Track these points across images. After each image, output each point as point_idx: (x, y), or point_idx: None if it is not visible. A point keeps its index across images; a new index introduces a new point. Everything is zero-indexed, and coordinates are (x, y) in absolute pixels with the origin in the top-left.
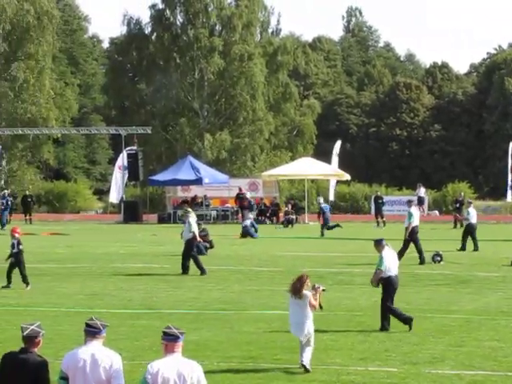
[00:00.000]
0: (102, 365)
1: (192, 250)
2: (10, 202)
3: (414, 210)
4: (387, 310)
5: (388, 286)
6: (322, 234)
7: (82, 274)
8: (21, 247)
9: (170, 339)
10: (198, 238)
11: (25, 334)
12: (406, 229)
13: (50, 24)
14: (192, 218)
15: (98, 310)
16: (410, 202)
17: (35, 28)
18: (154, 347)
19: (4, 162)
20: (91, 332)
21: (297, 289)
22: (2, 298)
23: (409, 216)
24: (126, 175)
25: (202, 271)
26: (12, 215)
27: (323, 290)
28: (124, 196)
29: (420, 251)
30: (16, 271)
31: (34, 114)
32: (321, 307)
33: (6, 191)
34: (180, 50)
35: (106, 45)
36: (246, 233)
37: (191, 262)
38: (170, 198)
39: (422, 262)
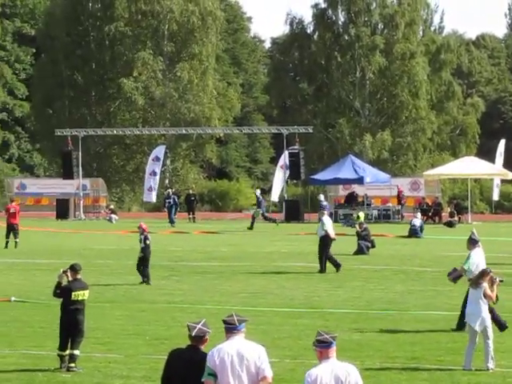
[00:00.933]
0: (250, 358)
1: (326, 248)
2: (176, 200)
3: None
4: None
5: None
6: None
7: (245, 272)
8: (148, 242)
9: (323, 346)
10: (333, 236)
11: (193, 334)
12: None
13: (214, 25)
14: (325, 216)
15: (260, 308)
16: None
17: (199, 29)
18: None
19: (168, 162)
20: (230, 328)
21: (476, 279)
22: (168, 295)
23: None
24: (288, 174)
25: (322, 269)
26: (176, 214)
27: (500, 281)
28: (285, 195)
29: None
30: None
31: (198, 114)
32: (497, 299)
33: (169, 190)
34: (341, 49)
35: (267, 45)
36: (413, 232)
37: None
38: (331, 197)
39: None
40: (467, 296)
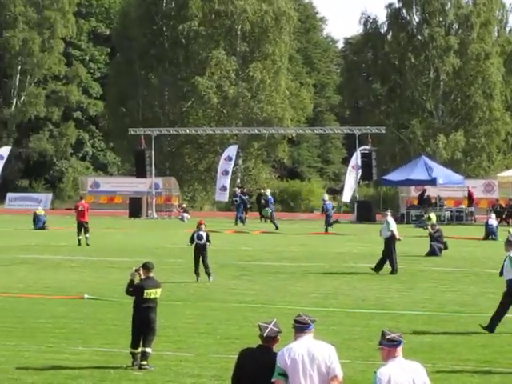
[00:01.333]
0: (320, 358)
1: (391, 249)
2: (243, 199)
3: None
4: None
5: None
6: (326, 230)
7: (316, 272)
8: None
9: (392, 345)
10: (398, 236)
11: (264, 334)
12: None
13: (287, 24)
14: (389, 216)
15: (331, 309)
16: None
17: (273, 29)
18: None
19: (240, 161)
20: (301, 328)
21: None
22: (239, 294)
23: None
24: (360, 175)
25: (393, 270)
26: (247, 213)
27: None
28: (357, 195)
29: None
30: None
31: (270, 114)
32: None
33: (236, 189)
34: (415, 50)
35: (340, 45)
36: (490, 232)
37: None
38: (403, 198)
39: None
40: None
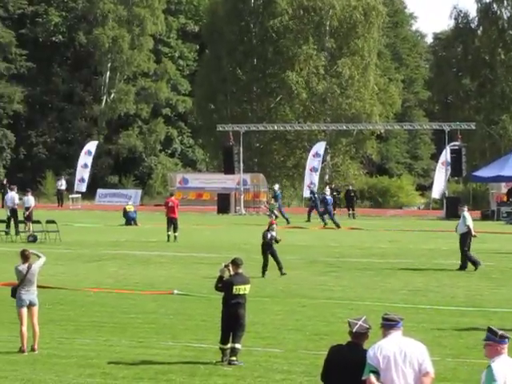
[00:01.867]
0: (412, 354)
1: (466, 244)
2: (316, 196)
3: None
4: None
5: None
6: (325, 223)
7: (405, 269)
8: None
9: (502, 342)
10: (473, 233)
11: (354, 330)
12: None
13: (376, 20)
14: (466, 212)
15: (421, 306)
16: None
17: (362, 24)
18: (478, 346)
19: (328, 157)
20: (389, 325)
21: None
22: (327, 291)
23: None
24: (449, 171)
25: (475, 264)
26: (335, 209)
27: None
28: (446, 192)
29: None
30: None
31: (358, 110)
32: None
33: (312, 186)
34: (506, 45)
35: (429, 40)
36: None
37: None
38: (493, 194)
39: None
40: None
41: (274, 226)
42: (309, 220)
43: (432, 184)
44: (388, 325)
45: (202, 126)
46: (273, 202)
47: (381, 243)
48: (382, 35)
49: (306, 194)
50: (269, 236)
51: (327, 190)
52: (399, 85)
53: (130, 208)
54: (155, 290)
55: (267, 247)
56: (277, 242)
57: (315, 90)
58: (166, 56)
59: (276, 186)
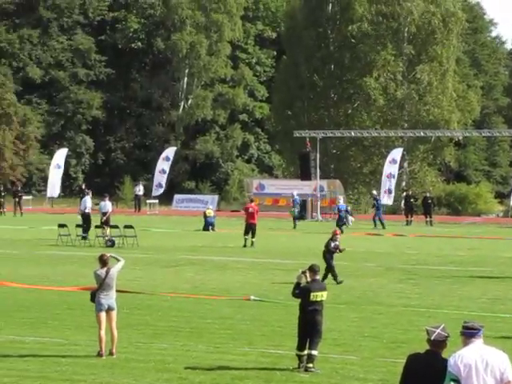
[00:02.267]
0: (494, 363)
1: None
2: (379, 202)
3: None
4: None
5: None
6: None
7: (484, 277)
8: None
9: None
10: None
11: (432, 338)
12: None
13: (455, 26)
14: None
15: (501, 314)
16: None
17: (440, 30)
18: None
19: (406, 164)
20: (470, 333)
21: None
22: (404, 298)
23: None
24: None
25: None
26: (412, 216)
27: None
28: None
29: None
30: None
31: (436, 117)
32: None
33: (374, 192)
34: None
35: (508, 46)
36: None
37: None
38: None
39: None
40: None
41: (338, 236)
42: (383, 227)
43: (511, 191)
44: (469, 333)
45: (279, 131)
46: (293, 209)
47: (459, 251)
48: (461, 41)
49: (384, 200)
50: (332, 245)
51: (340, 199)
52: (478, 91)
53: (210, 213)
54: (231, 295)
55: (329, 256)
56: (340, 251)
57: (393, 96)
58: (243, 62)
59: (294, 192)
